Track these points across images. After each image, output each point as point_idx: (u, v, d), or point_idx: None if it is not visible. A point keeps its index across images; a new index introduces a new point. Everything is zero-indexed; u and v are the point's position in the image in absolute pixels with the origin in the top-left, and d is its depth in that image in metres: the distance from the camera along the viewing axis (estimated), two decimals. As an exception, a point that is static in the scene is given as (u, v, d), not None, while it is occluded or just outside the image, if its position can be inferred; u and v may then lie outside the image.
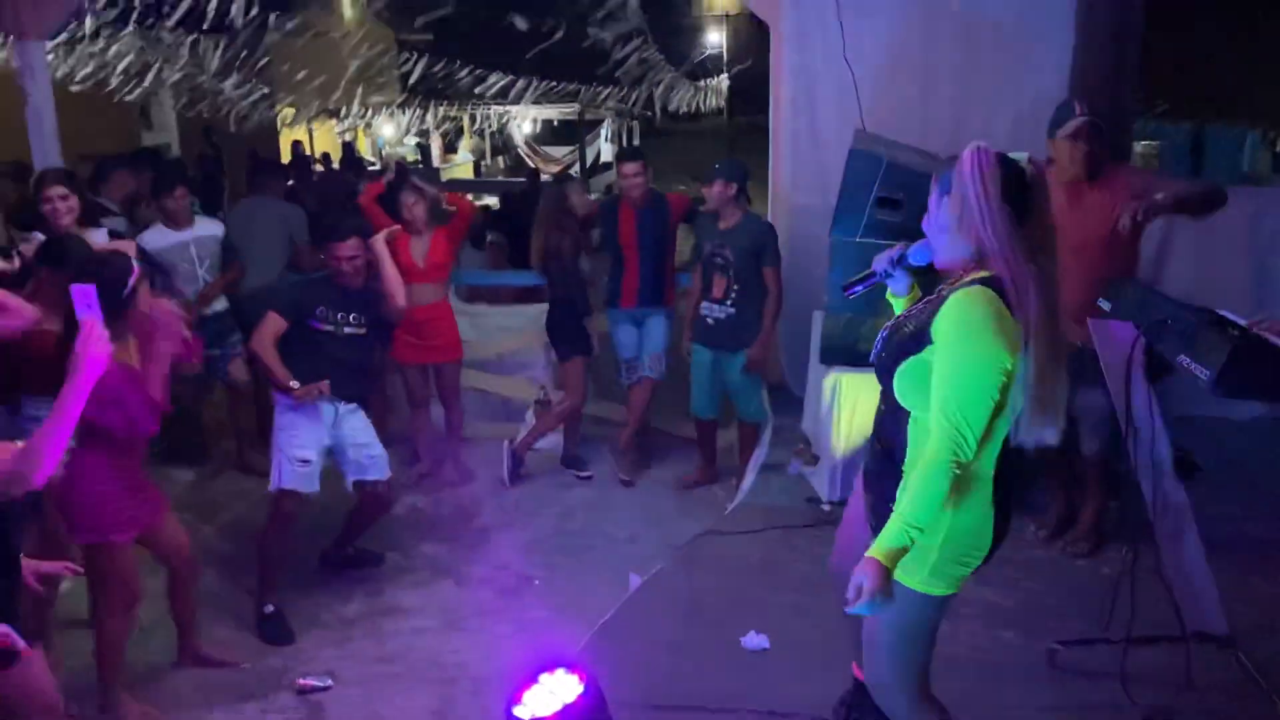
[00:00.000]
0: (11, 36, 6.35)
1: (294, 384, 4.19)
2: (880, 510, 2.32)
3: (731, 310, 5.18)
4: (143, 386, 3.31)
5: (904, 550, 2.15)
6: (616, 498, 5.59)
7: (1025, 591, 3.91)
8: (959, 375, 2.15)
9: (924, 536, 2.19)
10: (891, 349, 2.32)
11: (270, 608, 4.25)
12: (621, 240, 5.58)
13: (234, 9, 8.21)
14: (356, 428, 4.45)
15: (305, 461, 4.26)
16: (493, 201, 14.61)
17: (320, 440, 4.33)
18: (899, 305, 2.58)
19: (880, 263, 2.54)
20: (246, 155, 6.98)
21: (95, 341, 2.44)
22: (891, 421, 2.34)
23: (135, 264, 3.36)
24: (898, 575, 2.19)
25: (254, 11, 8.76)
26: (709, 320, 5.29)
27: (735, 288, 5.15)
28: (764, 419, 5.49)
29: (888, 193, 4.51)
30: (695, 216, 5.57)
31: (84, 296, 2.57)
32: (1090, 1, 4.78)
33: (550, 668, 2.54)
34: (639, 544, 4.95)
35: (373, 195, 5.70)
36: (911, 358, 2.24)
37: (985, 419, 2.14)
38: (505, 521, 5.29)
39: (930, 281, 2.43)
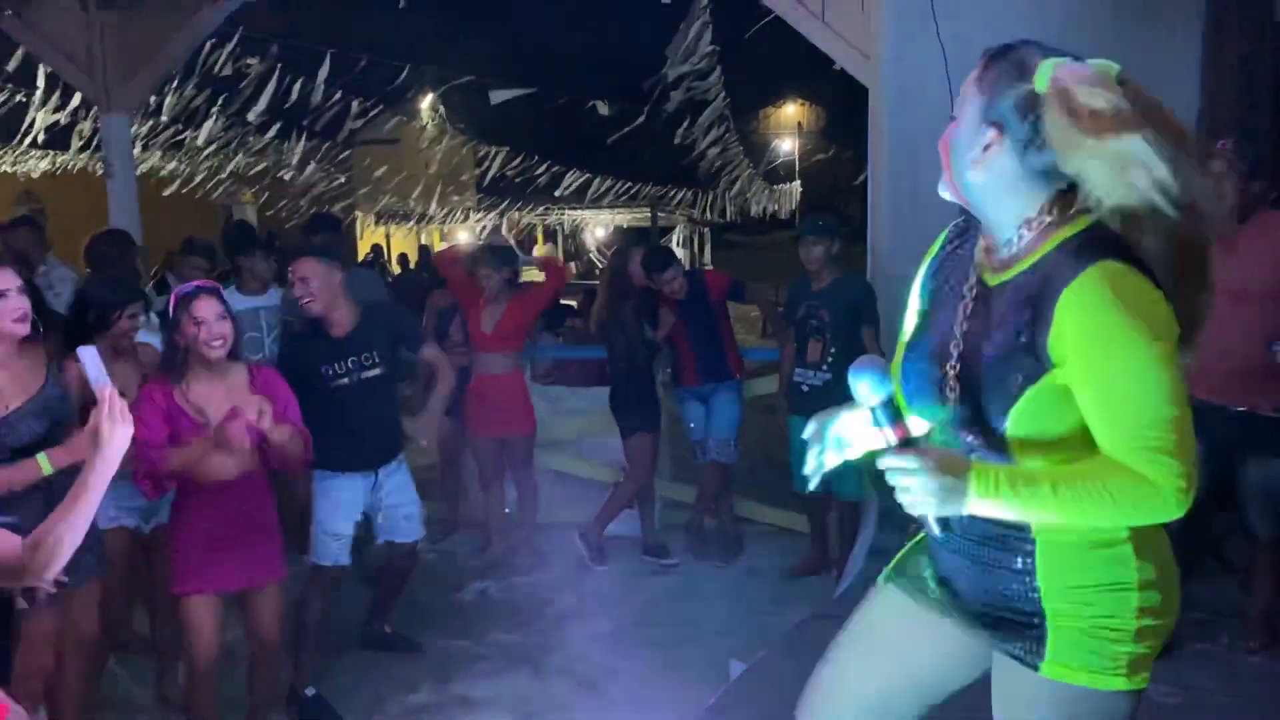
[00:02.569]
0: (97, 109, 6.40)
1: None
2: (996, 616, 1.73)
3: (828, 375, 4.77)
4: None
5: (995, 496, 1.52)
6: (705, 587, 5.14)
7: (1194, 690, 3.36)
8: (1149, 390, 1.51)
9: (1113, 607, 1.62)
10: (987, 384, 1.63)
11: (312, 690, 3.90)
12: (670, 330, 5.39)
13: (315, 95, 8.24)
14: (395, 488, 4.09)
15: (338, 536, 3.96)
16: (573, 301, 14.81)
17: (356, 512, 4.03)
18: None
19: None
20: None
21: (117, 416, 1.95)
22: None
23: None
24: (1077, 678, 1.62)
25: (338, 95, 8.83)
26: (804, 388, 4.90)
27: (832, 350, 4.77)
28: (864, 497, 5.01)
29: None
30: (740, 290, 5.64)
31: (91, 359, 2.03)
32: (1218, 39, 4.48)
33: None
34: (733, 636, 4.46)
35: (450, 258, 5.56)
36: (1031, 389, 1.58)
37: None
38: (583, 610, 4.87)
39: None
